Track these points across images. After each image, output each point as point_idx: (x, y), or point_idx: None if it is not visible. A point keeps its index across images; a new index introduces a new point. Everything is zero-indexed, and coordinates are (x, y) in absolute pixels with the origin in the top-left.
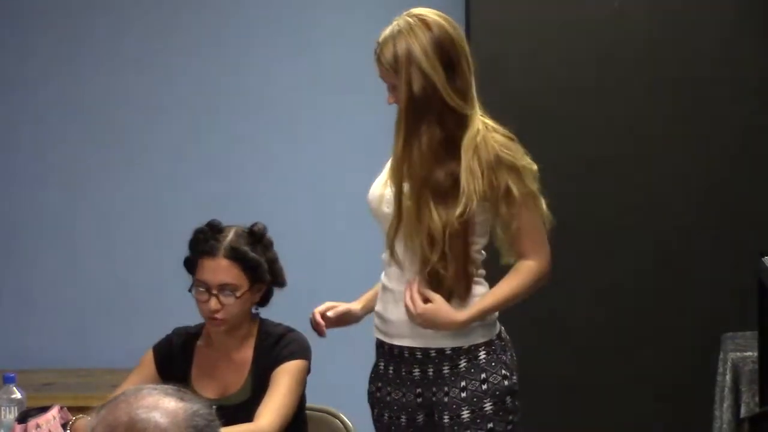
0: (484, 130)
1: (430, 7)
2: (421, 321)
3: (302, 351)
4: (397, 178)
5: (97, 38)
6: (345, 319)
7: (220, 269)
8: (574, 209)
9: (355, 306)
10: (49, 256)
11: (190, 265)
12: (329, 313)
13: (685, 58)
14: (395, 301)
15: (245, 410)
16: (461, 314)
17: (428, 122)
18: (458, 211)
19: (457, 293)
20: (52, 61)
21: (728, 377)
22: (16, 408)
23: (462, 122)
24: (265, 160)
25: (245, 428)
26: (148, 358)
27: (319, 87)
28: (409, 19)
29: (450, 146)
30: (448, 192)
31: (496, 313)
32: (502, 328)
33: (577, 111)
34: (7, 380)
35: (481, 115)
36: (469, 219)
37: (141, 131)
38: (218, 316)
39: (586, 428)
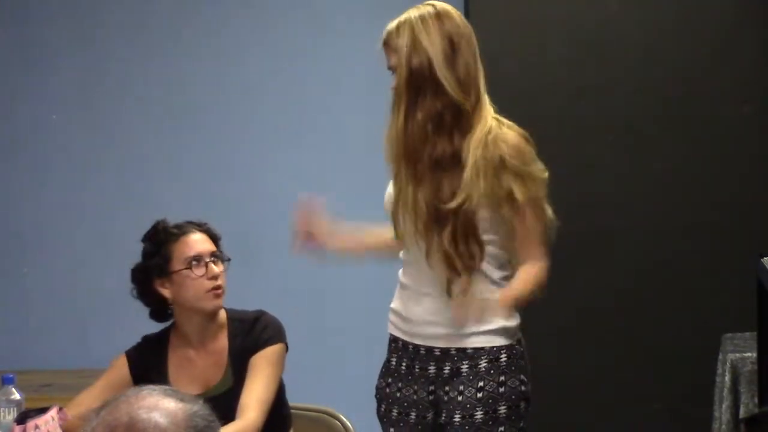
0: (497, 128)
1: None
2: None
3: (279, 334)
4: (397, 157)
5: (97, 41)
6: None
7: (203, 239)
8: (573, 209)
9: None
10: (49, 256)
11: (161, 265)
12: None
13: (684, 58)
14: (416, 299)
15: (230, 399)
16: (506, 296)
17: (424, 96)
18: (456, 202)
19: (468, 270)
20: (51, 64)
21: (727, 378)
22: (15, 409)
23: (461, 105)
24: (263, 161)
25: (235, 428)
26: (120, 362)
27: (320, 87)
28: (420, 6)
29: (451, 122)
30: (451, 168)
31: (519, 320)
32: (521, 335)
33: (576, 111)
34: (6, 381)
35: (495, 115)
36: (473, 209)
37: (141, 133)
38: (219, 282)
39: (585, 428)
